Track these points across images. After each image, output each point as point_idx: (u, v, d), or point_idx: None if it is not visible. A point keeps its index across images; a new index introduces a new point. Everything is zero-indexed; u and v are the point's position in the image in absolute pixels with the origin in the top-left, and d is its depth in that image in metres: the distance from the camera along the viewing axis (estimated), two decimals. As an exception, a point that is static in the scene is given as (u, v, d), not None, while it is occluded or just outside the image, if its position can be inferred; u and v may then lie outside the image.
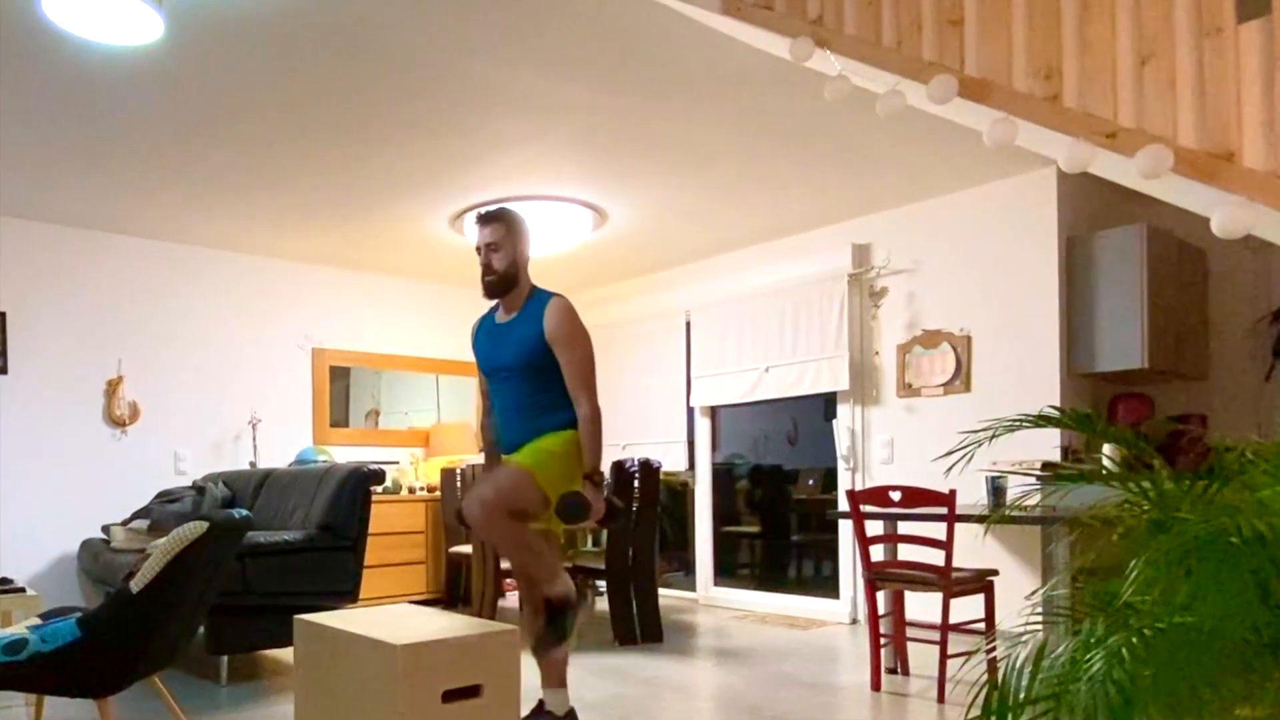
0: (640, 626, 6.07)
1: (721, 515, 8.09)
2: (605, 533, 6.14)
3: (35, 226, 6.71)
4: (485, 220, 3.84)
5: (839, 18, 3.34)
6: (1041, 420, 2.46)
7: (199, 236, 7.18)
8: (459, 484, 7.43)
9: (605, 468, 7.15)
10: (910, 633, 5.09)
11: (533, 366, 3.76)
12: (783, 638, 6.24)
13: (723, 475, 8.14)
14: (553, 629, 3.68)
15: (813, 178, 5.96)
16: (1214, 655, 1.79)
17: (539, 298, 3.83)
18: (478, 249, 3.85)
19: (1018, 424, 2.44)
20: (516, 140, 5.29)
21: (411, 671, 3.00)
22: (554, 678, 3.93)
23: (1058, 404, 5.50)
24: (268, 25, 3.99)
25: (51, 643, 3.22)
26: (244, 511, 3.70)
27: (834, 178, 5.96)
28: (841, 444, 6.84)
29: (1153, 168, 2.50)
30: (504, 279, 3.82)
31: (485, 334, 3.96)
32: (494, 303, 3.95)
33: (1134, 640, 1.76)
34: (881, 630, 4.84)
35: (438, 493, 7.77)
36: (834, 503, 6.88)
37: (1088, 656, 1.78)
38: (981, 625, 4.75)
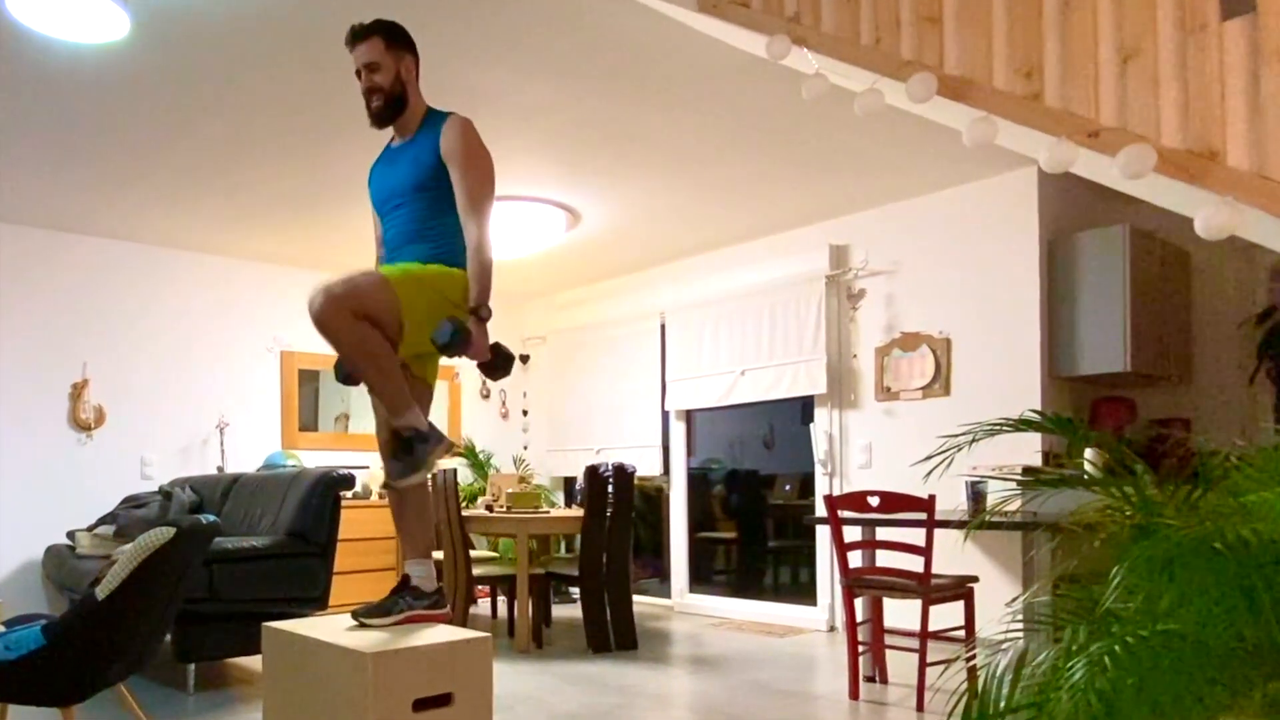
0: (614, 634, 6.02)
1: (697, 521, 8.05)
2: (579, 539, 6.08)
3: (-1, 226, 6.63)
4: (358, 37, 3.38)
5: (816, 15, 3.31)
6: (1022, 424, 2.43)
7: (166, 237, 7.09)
8: (430, 489, 7.37)
9: (578, 472, 7.15)
10: (889, 640, 5.05)
11: (425, 189, 3.37)
12: (759, 645, 6.20)
13: (698, 480, 8.11)
14: (405, 462, 3.29)
15: (790, 177, 5.93)
16: (1198, 663, 1.77)
17: (436, 116, 3.44)
18: (357, 73, 3.40)
19: (998, 428, 2.41)
20: (489, 139, 5.17)
21: (382, 680, 2.95)
22: (418, 547, 3.53)
23: (1039, 408, 5.48)
24: (235, 24, 3.93)
25: (15, 651, 3.19)
26: (211, 517, 3.65)
27: (811, 177, 5.94)
28: (819, 448, 6.81)
29: (1135, 167, 2.47)
30: (390, 100, 3.40)
31: (378, 165, 3.58)
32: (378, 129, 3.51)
33: (1116, 648, 1.75)
34: (859, 638, 4.80)
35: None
36: (811, 508, 6.86)
37: (1069, 664, 1.77)
38: (961, 633, 4.73)
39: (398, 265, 3.33)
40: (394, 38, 3.40)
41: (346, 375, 3.42)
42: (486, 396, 9.23)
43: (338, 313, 3.11)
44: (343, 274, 3.20)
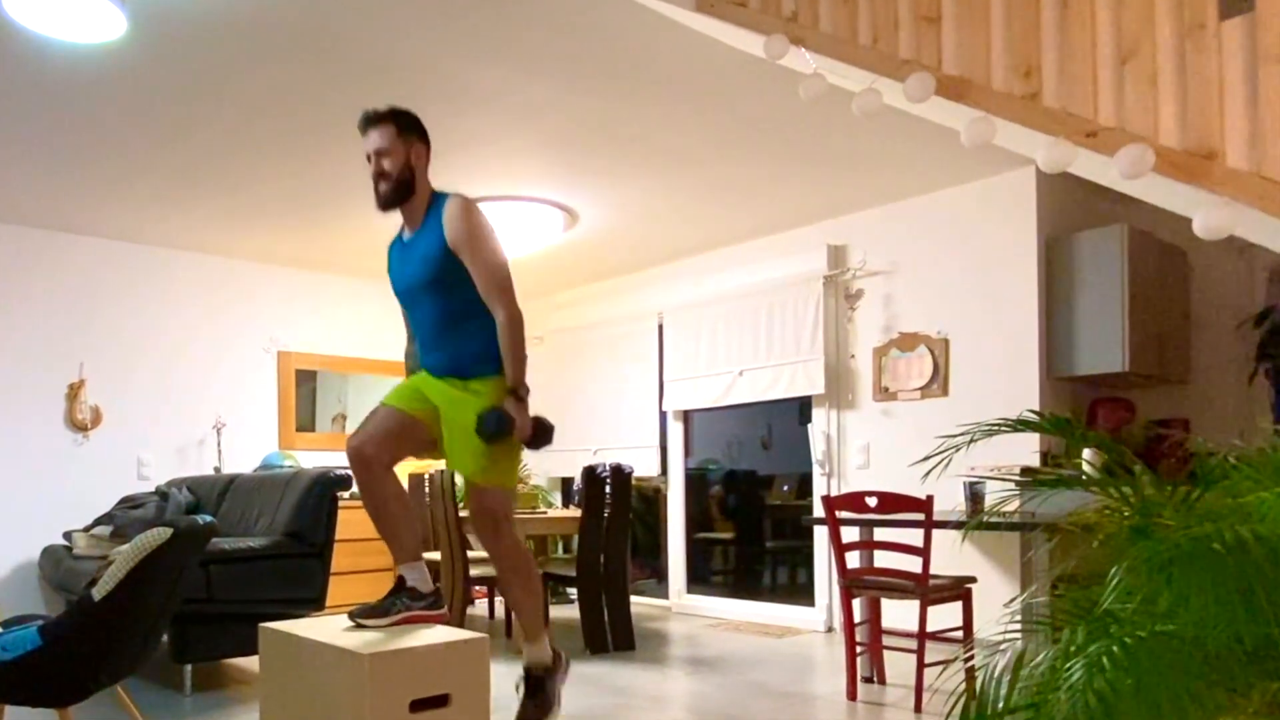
0: (612, 635, 6.01)
1: (695, 521, 8.05)
2: (576, 539, 6.07)
3: (-4, 226, 6.62)
4: (370, 123, 3.45)
5: (814, 15, 3.31)
6: (1020, 425, 2.43)
7: (162, 238, 7.08)
8: (427, 489, 7.36)
9: (576, 472, 7.13)
10: (887, 641, 5.05)
11: (441, 281, 3.44)
12: (757, 646, 6.19)
13: (696, 481, 8.10)
14: (378, 602, 3.46)
15: (787, 177, 5.93)
16: (1196, 664, 1.77)
17: (437, 203, 3.49)
18: (367, 156, 3.48)
19: (996, 428, 2.40)
20: (486, 139, 5.24)
21: (379, 681, 2.94)
22: (407, 551, 3.63)
23: (1037, 408, 5.46)
24: (232, 24, 3.92)
25: (12, 651, 3.19)
26: (208, 518, 3.65)
27: (809, 178, 5.93)
28: (817, 449, 6.80)
29: (1134, 167, 2.47)
30: (397, 186, 3.46)
31: (394, 255, 3.65)
32: (401, 222, 3.62)
33: (1115, 649, 1.74)
34: (857, 638, 4.80)
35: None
36: (809, 508, 6.85)
37: (1067, 665, 1.77)
38: (959, 633, 4.73)
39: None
40: (406, 126, 3.48)
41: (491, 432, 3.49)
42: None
43: (500, 529, 3.57)
44: (485, 521, 3.58)
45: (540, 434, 3.49)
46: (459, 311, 3.47)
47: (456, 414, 3.45)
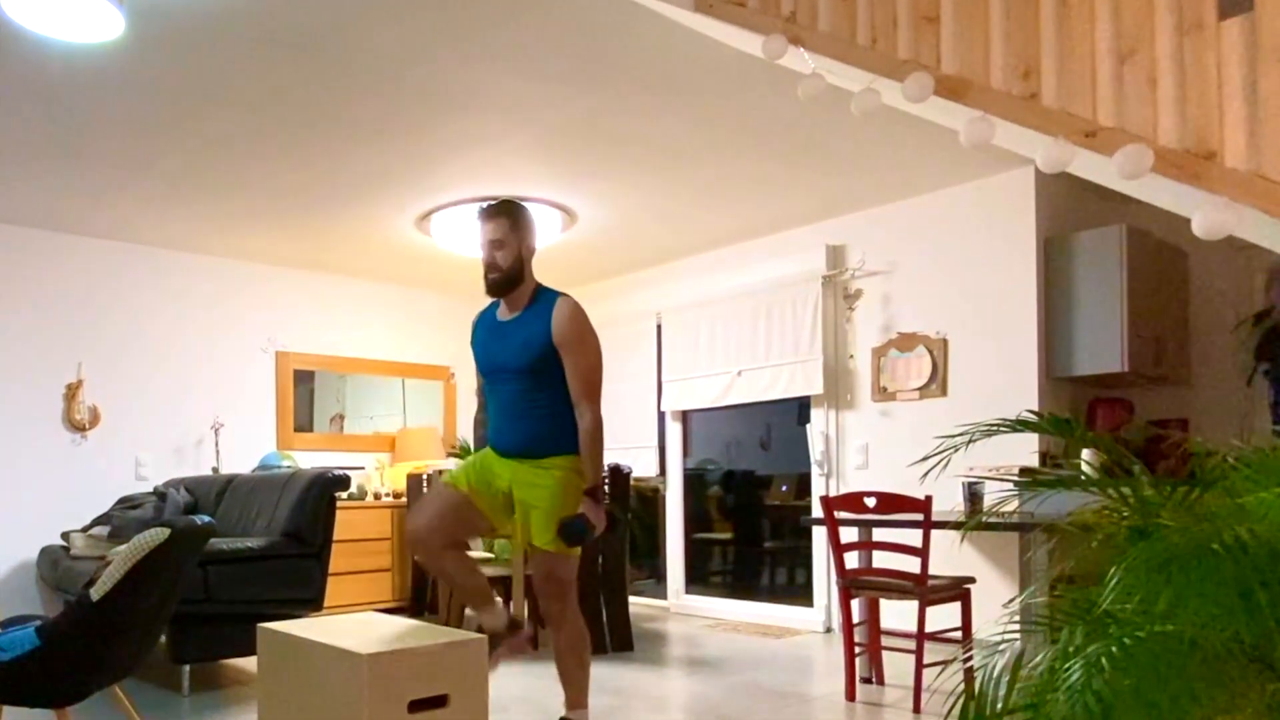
0: (610, 635, 6.01)
1: (693, 522, 8.04)
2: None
3: (-6, 226, 6.62)
4: (489, 215, 3.71)
5: (813, 14, 3.30)
6: (1019, 425, 2.42)
7: (160, 237, 7.08)
8: (425, 489, 7.36)
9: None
10: (885, 641, 5.05)
11: (535, 370, 3.65)
12: (755, 646, 6.19)
13: (694, 481, 8.10)
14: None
15: (786, 177, 5.92)
16: (1195, 665, 1.76)
17: (546, 297, 3.73)
18: (481, 245, 3.72)
19: (995, 429, 2.40)
20: (484, 139, 5.23)
21: (377, 681, 2.94)
22: (580, 693, 3.86)
23: (1036, 408, 5.47)
24: (230, 23, 3.92)
25: (10, 652, 3.19)
26: (206, 518, 3.65)
27: (807, 177, 5.93)
28: (815, 449, 6.80)
29: (1133, 167, 2.47)
30: (508, 276, 3.70)
31: (486, 331, 3.84)
32: (492, 299, 3.86)
33: (1113, 649, 1.73)
34: (856, 639, 4.80)
35: (404, 499, 7.69)
36: (808, 509, 6.84)
37: (1066, 666, 1.76)
38: (958, 634, 4.73)
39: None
40: (521, 220, 3.74)
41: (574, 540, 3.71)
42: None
43: (565, 604, 3.78)
44: (553, 589, 3.78)
45: (612, 525, 3.79)
46: (543, 400, 3.67)
47: (530, 492, 3.67)
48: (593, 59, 4.31)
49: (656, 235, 7.18)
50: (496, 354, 3.75)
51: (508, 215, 3.70)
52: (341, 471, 5.49)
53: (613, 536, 5.97)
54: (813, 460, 6.84)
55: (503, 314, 3.79)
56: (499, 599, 3.91)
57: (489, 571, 6.44)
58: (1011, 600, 2.42)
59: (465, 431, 8.91)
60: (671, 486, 8.02)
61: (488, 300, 3.91)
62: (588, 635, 3.90)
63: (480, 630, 3.62)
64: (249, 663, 5.59)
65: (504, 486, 3.73)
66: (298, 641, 3.29)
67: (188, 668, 4.97)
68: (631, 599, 6.48)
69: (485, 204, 3.76)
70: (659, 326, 7.99)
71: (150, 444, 7.23)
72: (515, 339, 3.69)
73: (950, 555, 5.43)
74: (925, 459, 2.45)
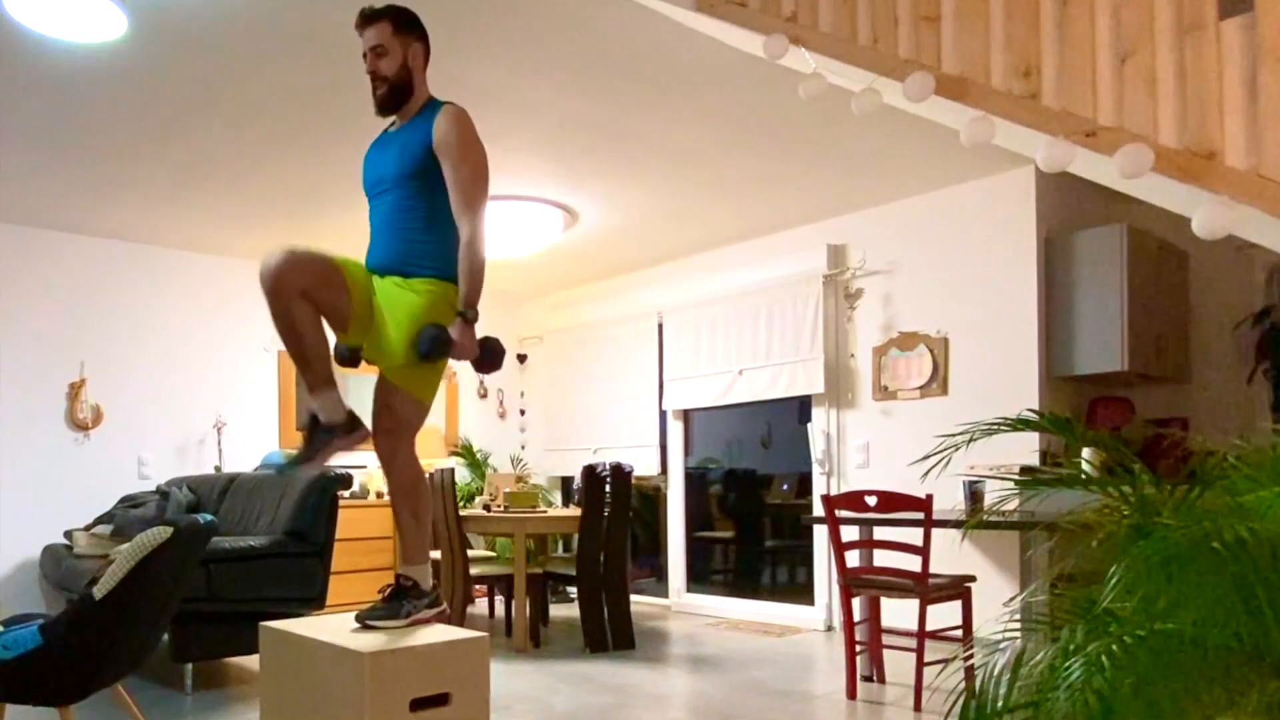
0: (612, 633, 6.01)
1: (694, 520, 8.05)
2: (576, 538, 6.07)
3: (-4, 226, 6.63)
4: (366, 20, 3.31)
5: (813, 14, 3.30)
6: (1020, 424, 2.43)
7: (163, 237, 7.08)
8: (428, 491, 7.36)
9: (576, 471, 7.14)
10: (886, 640, 5.05)
11: (412, 178, 3.26)
12: (756, 645, 6.20)
13: (696, 480, 8.10)
14: (387, 605, 3.32)
15: (787, 177, 5.93)
16: (1195, 663, 1.77)
17: (432, 105, 3.33)
18: (364, 54, 3.31)
19: (995, 428, 2.41)
20: (486, 139, 5.14)
21: (378, 680, 2.94)
22: (418, 550, 3.48)
23: (1036, 407, 5.48)
24: (232, 24, 3.92)
25: (13, 650, 3.19)
26: (209, 517, 3.65)
27: (809, 177, 5.93)
28: (816, 448, 6.81)
29: (1133, 167, 2.47)
30: (395, 88, 3.30)
31: (373, 149, 3.47)
32: (384, 118, 3.44)
33: (1114, 647, 1.74)
34: (857, 637, 4.80)
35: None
36: (809, 507, 6.85)
37: (1067, 664, 1.77)
38: (959, 632, 4.73)
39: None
40: (403, 23, 3.31)
41: (346, 358, 3.35)
42: (484, 396, 9.22)
43: (289, 274, 3.08)
44: (305, 249, 3.10)
45: (488, 355, 3.29)
46: (420, 214, 3.28)
47: (393, 307, 3.24)
48: (594, 59, 4.31)
49: (658, 234, 7.19)
50: (376, 165, 3.39)
51: (389, 17, 3.30)
52: (343, 470, 5.49)
53: (610, 535, 5.98)
54: (814, 459, 6.84)
55: (391, 127, 3.42)
56: (338, 386, 3.40)
57: (489, 571, 6.45)
58: (1012, 599, 2.43)
59: (467, 430, 8.92)
60: (673, 485, 8.03)
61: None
62: (424, 482, 3.54)
63: (313, 419, 3.30)
64: (251, 661, 5.61)
65: (370, 299, 3.26)
66: (299, 640, 3.29)
67: (190, 666, 4.97)
68: (633, 597, 6.49)
69: (363, 9, 3.32)
70: (660, 325, 7.99)
71: (153, 443, 7.24)
72: (395, 146, 3.33)
73: (951, 554, 5.43)
74: (926, 458, 2.46)
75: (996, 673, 1.89)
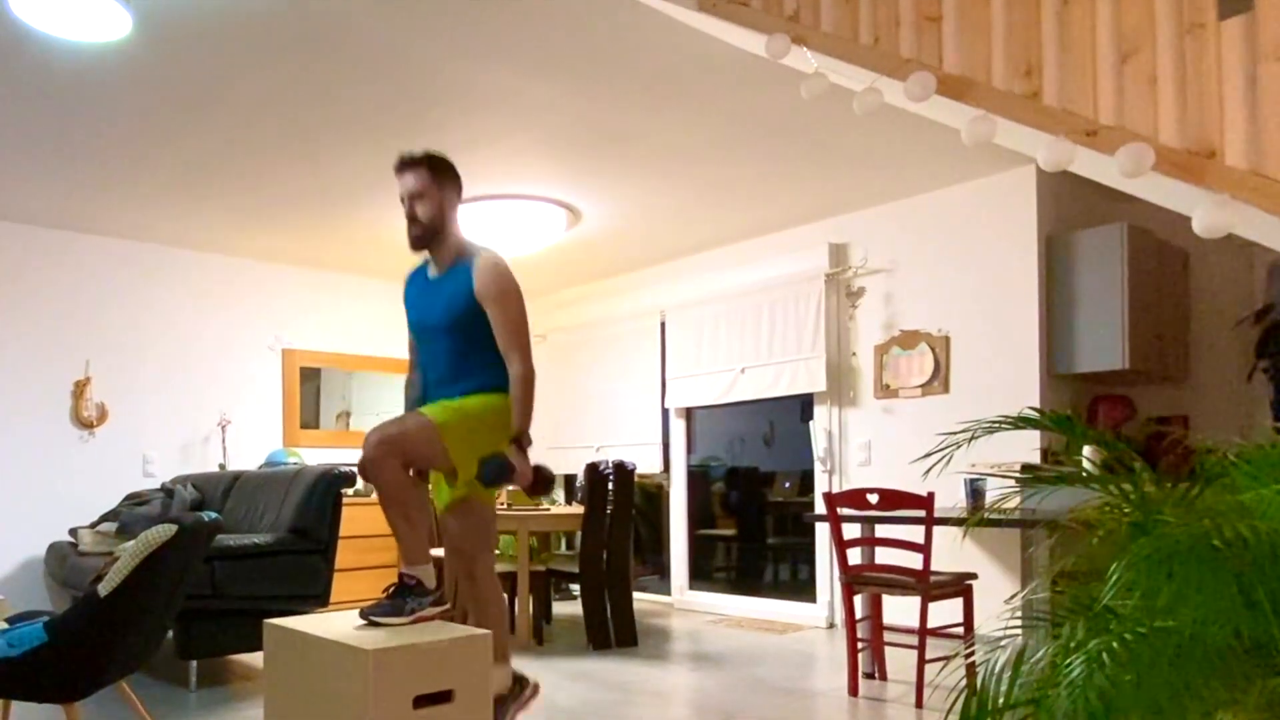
0: (614, 630, 6.02)
1: (697, 518, 8.06)
2: (579, 536, 6.09)
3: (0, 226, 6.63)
4: (406, 165, 3.57)
5: (816, 14, 3.32)
6: (1021, 422, 2.43)
7: (168, 236, 7.10)
8: (431, 485, 7.37)
9: (578, 469, 7.15)
10: (888, 637, 5.06)
11: (460, 325, 3.54)
12: (759, 642, 6.21)
13: (698, 477, 8.11)
14: (391, 601, 3.38)
15: (789, 176, 5.94)
16: (1195, 660, 1.77)
17: (469, 253, 3.59)
18: (401, 198, 3.59)
19: (997, 426, 2.41)
20: (489, 138, 5.25)
21: (382, 676, 2.95)
22: (417, 552, 3.58)
23: (1037, 405, 5.49)
24: (236, 23, 3.93)
25: (18, 647, 3.19)
26: (213, 514, 3.66)
27: (811, 176, 5.94)
28: (818, 446, 6.82)
29: (1133, 166, 2.48)
30: (428, 230, 3.57)
31: (416, 289, 3.74)
32: (425, 256, 3.73)
33: (1114, 645, 1.74)
34: (859, 634, 4.81)
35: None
36: (811, 505, 6.86)
37: (1068, 661, 1.77)
38: (960, 629, 4.74)
39: (446, 402, 3.53)
40: (440, 171, 3.58)
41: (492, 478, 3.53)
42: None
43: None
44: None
45: (540, 482, 3.59)
46: (471, 356, 3.57)
47: (449, 427, 3.49)
48: (597, 59, 4.32)
49: (660, 234, 7.20)
50: (425, 312, 3.66)
51: (427, 165, 3.57)
52: (347, 468, 5.49)
53: (612, 533, 5.99)
54: (816, 457, 6.85)
55: (432, 272, 3.68)
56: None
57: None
58: (1013, 596, 2.44)
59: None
60: (675, 483, 8.04)
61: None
62: (410, 487, 3.55)
63: (402, 581, 3.44)
64: (255, 658, 5.62)
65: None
66: (304, 637, 3.30)
67: (194, 663, 4.98)
68: (635, 595, 6.50)
69: (402, 154, 3.61)
70: (663, 324, 8.00)
71: (157, 441, 7.25)
72: (441, 296, 3.59)
73: (952, 551, 5.44)
74: (927, 455, 2.46)
75: (998, 670, 1.90)
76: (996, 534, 5.67)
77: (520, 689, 3.78)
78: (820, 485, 6.79)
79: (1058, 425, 2.48)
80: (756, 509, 8.07)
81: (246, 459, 7.55)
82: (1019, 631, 2.07)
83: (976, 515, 4.36)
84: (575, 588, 7.48)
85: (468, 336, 3.56)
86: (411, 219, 3.57)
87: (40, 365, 6.77)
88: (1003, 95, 2.88)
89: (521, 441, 3.48)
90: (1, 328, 6.63)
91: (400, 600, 3.40)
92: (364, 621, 3.34)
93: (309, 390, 8.06)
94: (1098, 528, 2.17)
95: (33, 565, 6.65)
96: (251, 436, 7.67)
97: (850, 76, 3.26)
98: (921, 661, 4.46)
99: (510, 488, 3.64)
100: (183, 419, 7.38)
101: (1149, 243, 5.62)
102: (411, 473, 3.48)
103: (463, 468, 3.48)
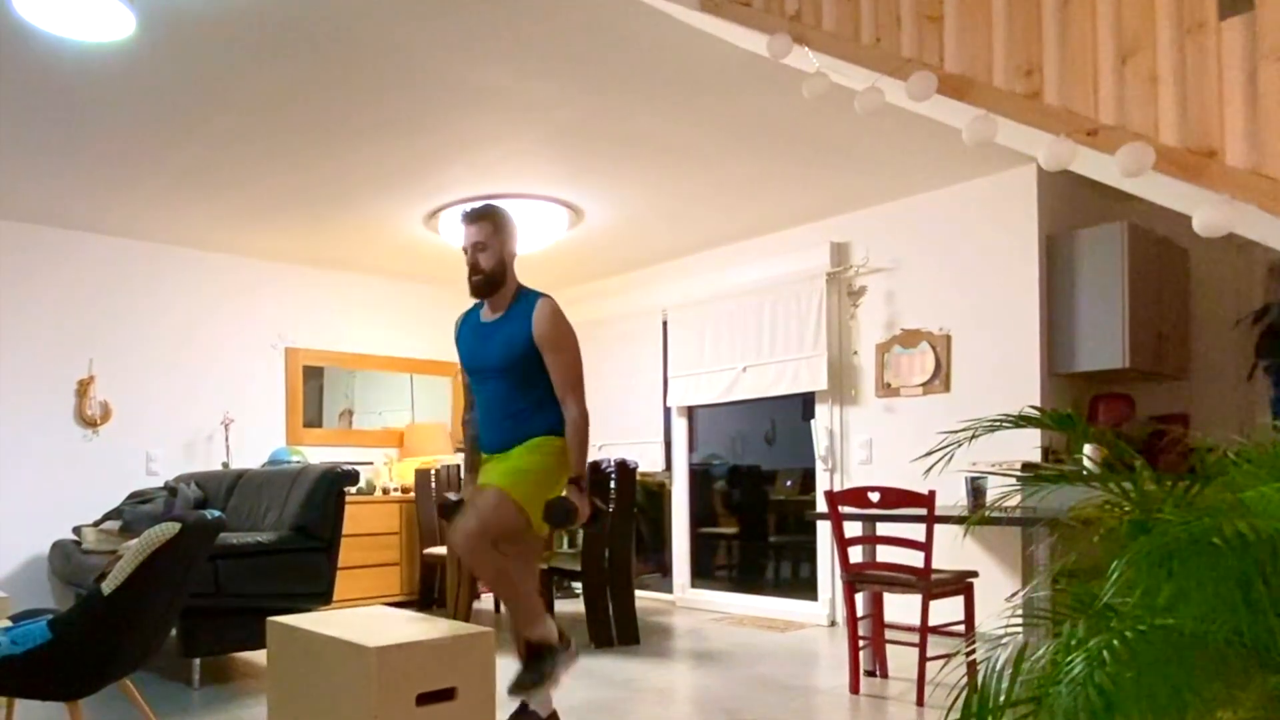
0: (616, 629, 6.03)
1: (699, 516, 8.06)
2: (581, 534, 6.10)
3: (4, 225, 6.63)
4: (471, 218, 3.78)
5: (817, 14, 3.32)
6: (1021, 420, 2.44)
7: (171, 235, 7.10)
8: (433, 485, 7.40)
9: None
10: (889, 635, 5.07)
11: (518, 368, 3.71)
12: (760, 640, 6.22)
13: (700, 476, 8.12)
14: (529, 672, 3.62)
15: (791, 175, 5.94)
16: (1196, 658, 1.78)
17: (527, 297, 3.80)
18: (464, 249, 3.79)
19: (998, 424, 2.42)
20: (492, 138, 5.25)
21: (385, 674, 2.97)
22: (536, 611, 3.83)
23: (1038, 404, 5.49)
24: (239, 22, 3.94)
25: (22, 645, 3.20)
26: (217, 513, 3.67)
27: (812, 175, 5.95)
28: (820, 444, 6.83)
29: (1134, 165, 2.48)
30: (490, 279, 3.78)
31: (470, 331, 3.90)
32: (475, 299, 3.92)
33: (1115, 643, 1.74)
34: (860, 632, 4.82)
35: (412, 494, 7.72)
36: (812, 503, 6.87)
37: (1068, 659, 1.77)
38: (961, 627, 4.74)
39: (507, 465, 3.71)
40: (503, 224, 3.83)
41: (559, 521, 3.72)
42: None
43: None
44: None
45: (595, 515, 3.78)
46: (528, 397, 3.75)
47: (501, 464, 3.77)
48: (599, 58, 4.33)
49: (662, 233, 7.20)
50: (480, 354, 3.83)
51: (490, 219, 3.79)
52: (350, 466, 5.51)
53: (614, 531, 6.00)
54: (817, 455, 6.86)
55: (486, 315, 3.87)
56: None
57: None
58: (1014, 594, 2.45)
59: (471, 427, 8.93)
60: (677, 481, 8.04)
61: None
62: (506, 573, 3.68)
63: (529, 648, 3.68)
64: (259, 656, 5.62)
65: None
66: (307, 635, 3.32)
67: (198, 661, 5.00)
68: (637, 593, 6.50)
69: (468, 208, 3.84)
70: (665, 323, 8.01)
71: (161, 439, 7.26)
72: (498, 340, 3.77)
73: (953, 550, 5.44)
74: (928, 454, 2.46)
75: (998, 668, 1.90)
76: (997, 532, 5.68)
77: (567, 644, 3.89)
78: (821, 483, 6.80)
79: (1058, 424, 2.49)
80: (758, 507, 8.08)
81: (250, 457, 7.55)
82: (1020, 629, 2.08)
83: (977, 513, 4.36)
84: (577, 586, 7.47)
85: (524, 378, 3.73)
86: (474, 268, 3.77)
87: (44, 364, 6.77)
88: (1003, 95, 2.88)
89: (580, 483, 3.67)
90: (5, 327, 6.63)
91: (538, 666, 3.61)
92: (515, 699, 3.65)
93: (312, 389, 8.07)
94: (1098, 526, 2.17)
95: (36, 563, 6.66)
96: (255, 435, 7.67)
97: (851, 76, 3.26)
98: (922, 659, 4.47)
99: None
100: (186, 417, 7.39)
101: (1149, 242, 5.62)
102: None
103: (534, 516, 3.64)
